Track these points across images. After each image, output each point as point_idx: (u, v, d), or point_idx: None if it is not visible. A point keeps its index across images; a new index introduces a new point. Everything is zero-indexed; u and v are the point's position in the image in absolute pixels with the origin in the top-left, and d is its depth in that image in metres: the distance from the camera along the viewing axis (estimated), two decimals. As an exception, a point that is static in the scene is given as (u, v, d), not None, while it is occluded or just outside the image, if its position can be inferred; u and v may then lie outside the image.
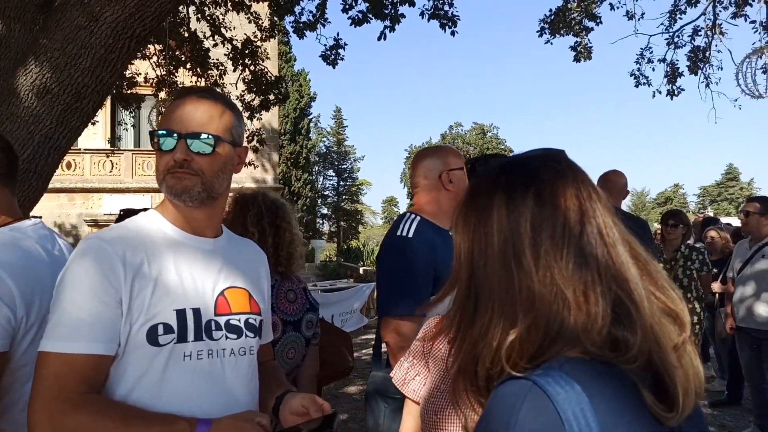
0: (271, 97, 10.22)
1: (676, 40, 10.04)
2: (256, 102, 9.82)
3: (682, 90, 10.32)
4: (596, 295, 0.64)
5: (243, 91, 10.09)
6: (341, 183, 52.93)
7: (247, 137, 10.72)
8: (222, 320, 1.23)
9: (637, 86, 10.53)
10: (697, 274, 4.36)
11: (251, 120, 10.17)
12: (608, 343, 0.63)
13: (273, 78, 10.11)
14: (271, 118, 15.82)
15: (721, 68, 8.97)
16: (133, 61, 10.05)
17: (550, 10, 9.64)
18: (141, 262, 1.15)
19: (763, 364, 4.01)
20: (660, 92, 10.31)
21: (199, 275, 1.23)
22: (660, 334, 0.65)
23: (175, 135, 1.18)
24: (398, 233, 1.82)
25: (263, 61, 9.68)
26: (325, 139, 52.87)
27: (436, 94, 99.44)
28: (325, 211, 51.28)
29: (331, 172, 53.43)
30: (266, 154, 15.88)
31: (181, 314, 1.16)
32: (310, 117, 39.96)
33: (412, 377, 1.28)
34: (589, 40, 9.89)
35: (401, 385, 1.30)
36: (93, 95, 3.06)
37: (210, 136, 1.20)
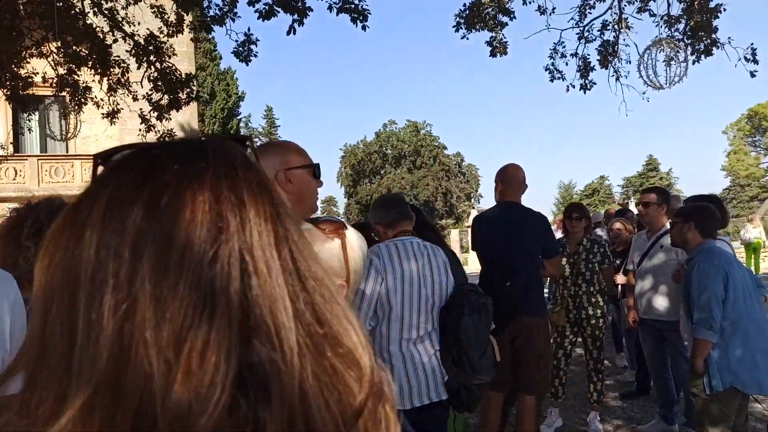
0: (182, 95, 9.68)
1: (586, 34, 10.25)
2: (164, 101, 9.26)
3: (594, 84, 10.56)
4: (219, 354, 0.41)
5: (151, 90, 9.52)
6: (275, 184, 51.86)
7: (158, 139, 10.14)
8: None
9: (552, 80, 10.68)
10: (599, 267, 4.36)
11: (160, 120, 9.62)
12: (232, 425, 0.40)
13: (182, 76, 9.57)
14: (190, 118, 15.15)
15: (630, 62, 9.20)
16: (28, 60, 9.30)
17: (465, 5, 9.61)
18: None
19: (665, 356, 4.03)
20: (573, 86, 10.51)
21: None
22: (319, 408, 0.42)
23: None
24: None
25: (169, 58, 9.15)
26: (257, 139, 51.73)
27: (369, 93, 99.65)
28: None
29: (264, 173, 52.27)
30: (185, 157, 15.21)
31: None
32: (239, 117, 38.92)
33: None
34: (503, 35, 9.94)
35: None
36: None
37: None
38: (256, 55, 9.56)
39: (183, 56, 15.09)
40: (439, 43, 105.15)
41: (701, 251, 2.96)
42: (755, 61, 8.41)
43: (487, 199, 58.42)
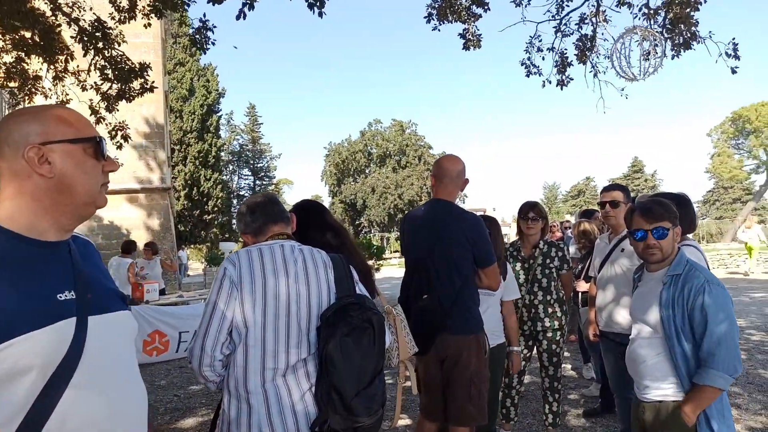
0: (135, 85, 9.11)
1: (563, 28, 9.82)
2: (113, 91, 8.69)
3: (571, 80, 10.15)
4: None
5: (102, 79, 8.94)
6: (258, 182, 51.20)
7: (109, 132, 9.57)
8: None
9: (528, 75, 10.26)
10: (557, 273, 3.86)
11: (110, 112, 9.04)
12: None
13: (136, 65, 8.99)
14: (155, 112, 14.53)
15: (608, 57, 8.78)
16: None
17: (436, -6, 9.16)
18: None
19: (629, 374, 3.56)
20: (550, 82, 10.10)
21: None
22: None
23: None
24: None
25: (119, 45, 8.57)
26: (239, 137, 50.98)
27: (355, 91, 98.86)
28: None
29: (246, 171, 51.59)
30: (151, 152, 14.57)
31: None
32: (219, 114, 38.17)
33: None
34: (477, 27, 9.49)
35: None
36: None
37: None
38: (213, 43, 9.02)
39: (149, 48, 14.49)
40: (428, 42, 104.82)
41: (686, 263, 2.39)
42: (736, 57, 8.03)
43: (471, 199, 58.08)
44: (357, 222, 52.64)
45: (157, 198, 14.46)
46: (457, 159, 2.96)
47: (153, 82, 9.17)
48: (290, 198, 65.38)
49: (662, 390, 2.35)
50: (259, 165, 51.49)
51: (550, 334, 3.77)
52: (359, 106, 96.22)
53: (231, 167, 50.19)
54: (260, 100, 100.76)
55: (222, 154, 41.05)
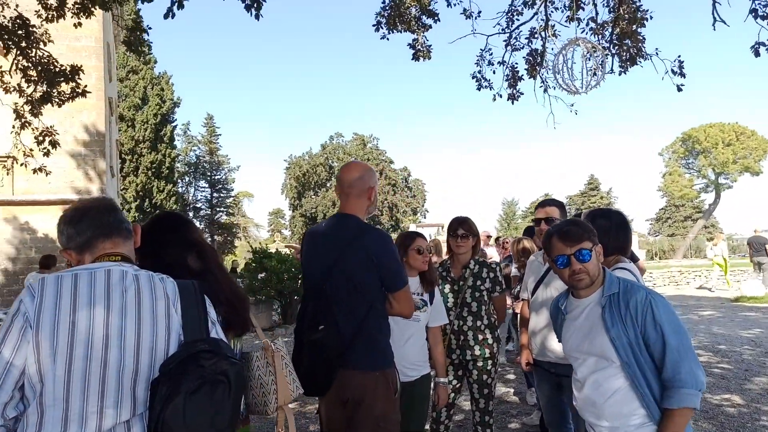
0: (65, 89, 8.52)
1: (513, 42, 9.71)
2: (37, 94, 8.08)
3: (522, 94, 10.03)
4: None
5: (27, 82, 8.34)
6: (215, 194, 49.99)
7: (35, 137, 8.92)
8: None
9: (479, 89, 10.10)
10: (489, 296, 3.50)
11: (36, 116, 8.42)
12: None
13: (67, 68, 8.41)
14: (96, 119, 13.81)
15: (551, 69, 8.64)
16: None
17: (385, 2, 8.91)
18: None
19: (564, 404, 3.26)
20: (501, 96, 9.96)
21: None
22: None
23: None
24: None
25: (44, 45, 7.99)
26: (196, 148, 49.78)
27: (315, 104, 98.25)
28: (197, 224, 48.00)
29: (203, 183, 50.31)
30: (90, 161, 13.82)
31: None
32: (174, 123, 37.15)
33: None
34: (426, 38, 9.28)
35: None
36: None
37: None
38: (149, 46, 8.55)
39: (90, 51, 13.81)
40: (391, 55, 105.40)
41: (617, 280, 2.15)
42: (682, 74, 8.02)
43: (433, 214, 58.13)
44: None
45: (96, 209, 13.70)
46: (355, 166, 2.58)
47: (86, 86, 8.59)
48: (250, 211, 64.21)
49: (631, 427, 2.02)
50: (216, 177, 50.32)
51: (480, 364, 3.41)
52: (320, 120, 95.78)
53: (187, 179, 48.86)
54: (218, 111, 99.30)
55: (177, 165, 39.91)
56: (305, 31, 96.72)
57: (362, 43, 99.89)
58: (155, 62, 34.63)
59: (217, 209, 50.17)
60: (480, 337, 3.43)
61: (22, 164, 9.57)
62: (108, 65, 16.15)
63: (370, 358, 2.32)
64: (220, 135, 52.10)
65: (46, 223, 13.22)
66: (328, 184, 53.18)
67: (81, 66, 8.46)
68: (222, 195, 50.42)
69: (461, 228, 3.46)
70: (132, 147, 32.24)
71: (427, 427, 3.26)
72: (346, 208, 2.49)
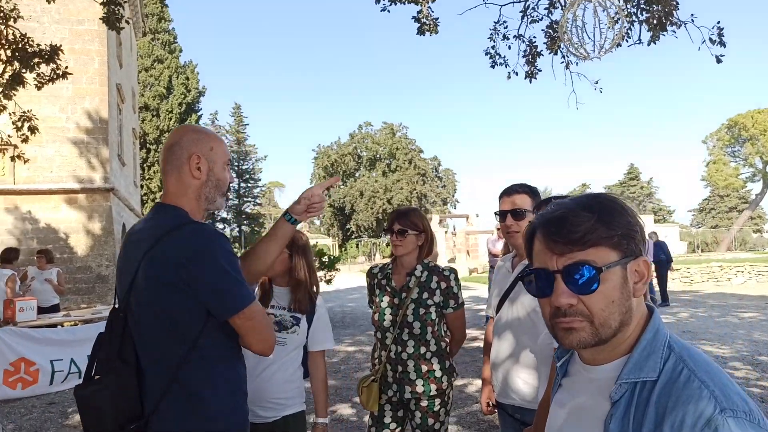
0: (45, 70, 8.02)
1: (530, 12, 8.76)
2: (7, 73, 7.58)
3: (540, 71, 9.09)
4: None
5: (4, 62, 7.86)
6: (243, 185, 49.99)
7: (14, 122, 8.47)
8: None
9: (493, 66, 9.21)
10: (440, 313, 2.57)
11: (8, 99, 7.93)
12: None
13: (47, 47, 7.90)
14: (99, 105, 13.41)
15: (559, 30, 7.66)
16: None
17: (384, -29, 8.10)
18: None
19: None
20: (516, 73, 9.05)
21: None
22: None
23: None
24: None
25: (14, 22, 7.48)
26: (223, 137, 49.88)
27: (344, 93, 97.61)
28: (224, 214, 48.14)
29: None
30: (93, 149, 13.43)
31: None
32: (199, 113, 37.02)
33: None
34: (431, 9, 8.41)
35: None
36: None
37: None
38: (128, 22, 7.94)
39: (93, 35, 13.38)
40: (422, 45, 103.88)
41: (665, 350, 0.91)
42: (722, 44, 6.97)
43: (463, 204, 56.99)
44: (347, 227, 51.47)
45: (99, 199, 13.30)
46: (174, 132, 1.71)
47: (66, 67, 8.07)
48: (282, 201, 64.17)
49: None
50: (244, 167, 50.30)
51: (424, 404, 2.52)
52: (349, 108, 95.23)
53: (215, 169, 49.02)
54: (246, 101, 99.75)
55: (204, 155, 39.89)
56: (334, 19, 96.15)
57: (394, 32, 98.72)
58: (181, 51, 34.50)
59: (245, 199, 50.16)
60: (424, 368, 2.53)
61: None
62: (117, 51, 15.75)
63: (186, 421, 1.49)
64: (247, 125, 52.08)
65: (48, 213, 12.92)
66: (356, 174, 52.59)
67: (60, 46, 7.93)
68: (249, 185, 50.37)
69: (398, 222, 2.58)
70: (157, 137, 32.22)
71: None
72: (168, 193, 1.65)
